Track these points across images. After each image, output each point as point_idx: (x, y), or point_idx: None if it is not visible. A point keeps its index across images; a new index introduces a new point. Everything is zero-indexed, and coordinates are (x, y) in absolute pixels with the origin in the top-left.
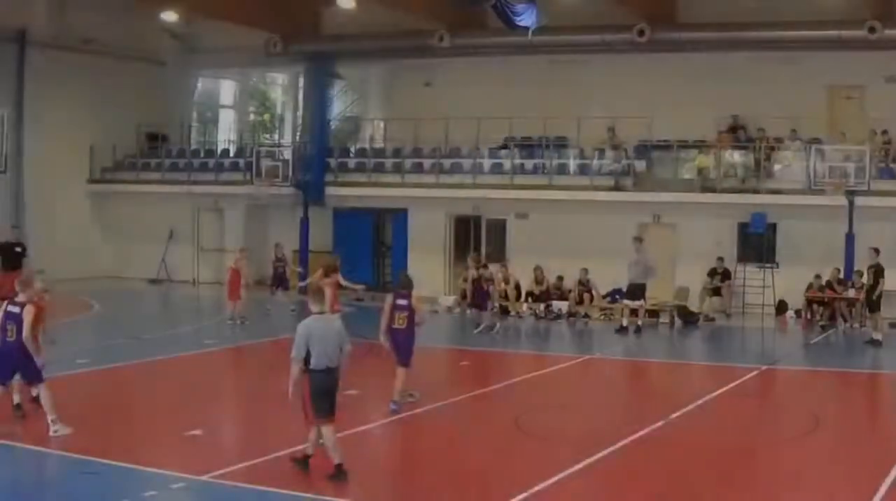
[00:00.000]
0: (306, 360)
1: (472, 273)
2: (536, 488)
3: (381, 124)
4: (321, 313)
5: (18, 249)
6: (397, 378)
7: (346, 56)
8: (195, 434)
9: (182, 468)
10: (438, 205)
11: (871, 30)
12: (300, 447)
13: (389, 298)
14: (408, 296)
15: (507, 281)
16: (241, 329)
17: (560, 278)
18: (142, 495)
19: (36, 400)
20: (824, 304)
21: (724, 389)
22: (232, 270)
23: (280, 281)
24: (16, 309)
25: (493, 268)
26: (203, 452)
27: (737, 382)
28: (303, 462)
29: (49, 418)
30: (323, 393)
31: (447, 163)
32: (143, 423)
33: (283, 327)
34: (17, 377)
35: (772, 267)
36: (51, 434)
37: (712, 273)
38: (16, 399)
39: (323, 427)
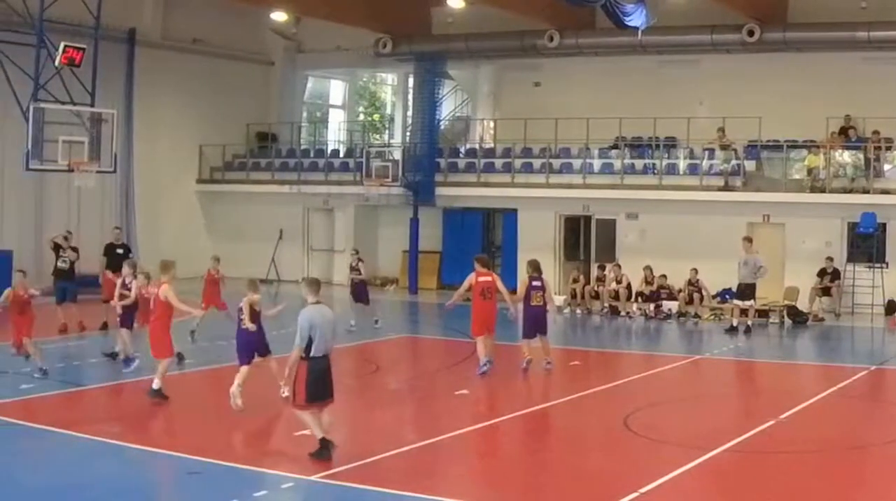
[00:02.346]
0: (307, 348)
1: None
2: (646, 488)
3: (491, 124)
4: (317, 302)
5: (120, 250)
6: (543, 346)
7: (456, 56)
8: (305, 434)
9: (292, 468)
10: (548, 205)
11: None
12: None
13: (526, 281)
14: (541, 279)
15: (618, 281)
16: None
17: (664, 276)
18: (252, 495)
19: None
20: None
21: (834, 389)
22: (209, 277)
23: (358, 293)
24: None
25: (607, 268)
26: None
27: (846, 382)
28: (322, 451)
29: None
30: (321, 379)
31: (557, 163)
32: (253, 423)
33: (394, 327)
34: None
35: (881, 267)
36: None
37: (822, 273)
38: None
39: (304, 412)
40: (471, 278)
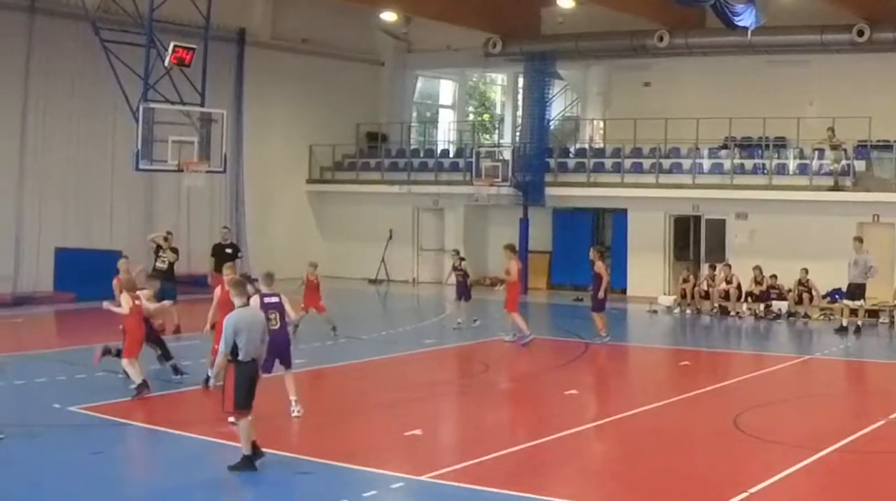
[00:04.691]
0: (234, 352)
1: None
2: (755, 488)
3: (601, 124)
4: (244, 305)
5: (229, 250)
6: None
7: (566, 56)
8: (415, 434)
9: (402, 468)
10: (658, 205)
11: None
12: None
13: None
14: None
15: (728, 281)
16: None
17: (773, 277)
18: (361, 495)
19: None
20: None
21: None
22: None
23: (462, 291)
24: (274, 299)
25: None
26: (423, 452)
27: None
28: (247, 463)
29: (293, 398)
30: (247, 385)
31: (666, 163)
32: (363, 423)
33: (504, 327)
34: None
35: None
36: (294, 414)
37: None
38: None
39: (240, 420)
40: (514, 264)
